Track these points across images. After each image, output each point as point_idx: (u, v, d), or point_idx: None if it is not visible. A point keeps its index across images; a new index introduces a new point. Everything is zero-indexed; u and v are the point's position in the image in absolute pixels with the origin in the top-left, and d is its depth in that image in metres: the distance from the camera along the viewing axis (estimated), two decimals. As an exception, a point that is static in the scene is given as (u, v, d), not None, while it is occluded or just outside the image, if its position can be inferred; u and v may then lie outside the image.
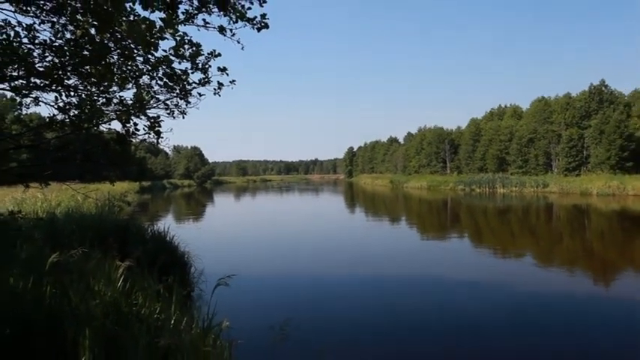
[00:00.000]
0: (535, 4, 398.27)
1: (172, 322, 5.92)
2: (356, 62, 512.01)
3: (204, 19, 5.98)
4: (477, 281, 15.00)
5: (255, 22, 6.11)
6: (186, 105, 7.13)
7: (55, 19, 5.98)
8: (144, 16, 5.48)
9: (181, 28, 5.93)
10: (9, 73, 6.17)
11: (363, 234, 28.68)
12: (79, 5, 5.52)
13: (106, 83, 6.53)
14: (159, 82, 6.68)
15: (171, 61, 6.30)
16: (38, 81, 6.34)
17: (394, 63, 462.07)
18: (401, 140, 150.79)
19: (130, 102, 6.78)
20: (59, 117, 6.83)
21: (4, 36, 6.02)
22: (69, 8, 5.60)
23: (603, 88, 75.85)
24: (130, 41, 5.73)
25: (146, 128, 6.98)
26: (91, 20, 5.52)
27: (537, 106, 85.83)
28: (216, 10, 5.89)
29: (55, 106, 6.70)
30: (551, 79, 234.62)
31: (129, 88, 6.83)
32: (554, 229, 30.07)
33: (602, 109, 72.45)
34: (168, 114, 7.20)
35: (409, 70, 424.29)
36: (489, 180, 77.02)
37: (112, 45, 5.89)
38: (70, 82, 6.60)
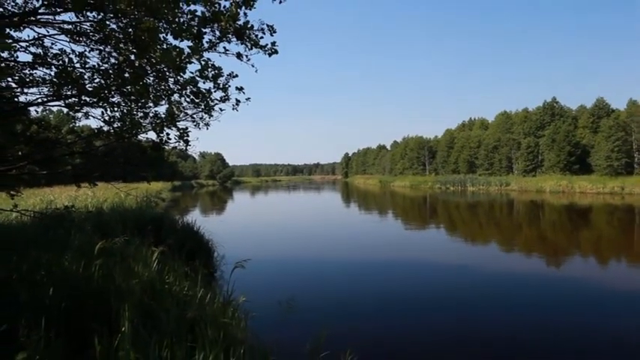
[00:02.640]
0: (493, 39, 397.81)
1: (198, 297, 5.92)
2: (350, 82, 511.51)
3: (224, 47, 5.99)
4: (452, 262, 15.00)
5: (266, 48, 6.13)
6: (210, 118, 7.16)
7: (102, 48, 6.00)
8: (175, 45, 5.49)
9: (205, 54, 5.95)
10: (64, 93, 6.19)
11: (357, 223, 28.69)
12: (121, 36, 5.53)
13: (143, 100, 6.55)
14: (187, 99, 6.70)
15: (197, 82, 6.32)
16: (88, 99, 6.35)
17: (383, 83, 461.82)
18: (388, 147, 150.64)
19: (163, 116, 6.80)
20: (105, 128, 6.86)
21: (61, 62, 6.04)
22: (113, 39, 5.61)
23: (555, 104, 76.28)
24: (163, 65, 5.74)
25: (177, 137, 7.01)
26: (131, 48, 5.53)
27: (501, 119, 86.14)
28: (234, 39, 5.90)
29: (102, 120, 6.73)
30: (512, 96, 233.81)
31: (162, 104, 6.85)
32: (515, 219, 30.05)
33: (553, 121, 72.92)
34: (195, 125, 7.23)
35: (395, 88, 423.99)
36: (461, 180, 77.13)
37: (149, 68, 5.90)
38: (114, 99, 6.62)
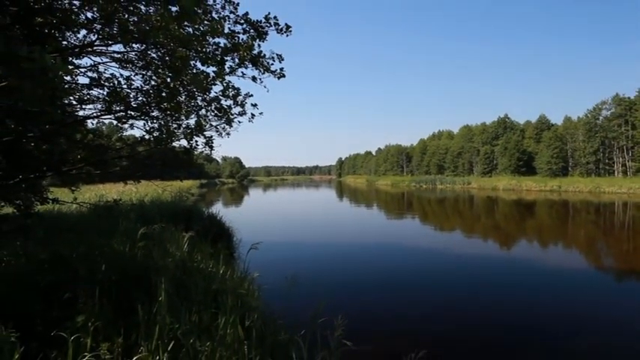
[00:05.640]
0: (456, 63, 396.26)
1: (220, 273, 5.92)
2: (341, 100, 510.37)
3: (242, 72, 6.01)
4: (425, 244, 15.01)
5: (276, 73, 6.14)
6: (230, 128, 7.18)
7: (144, 72, 6.01)
8: (202, 70, 5.51)
9: (227, 77, 5.97)
10: (114, 108, 6.20)
11: (348, 213, 28.69)
12: (160, 63, 5.54)
13: (177, 114, 6.56)
14: (212, 113, 6.72)
15: (220, 100, 6.34)
16: (133, 113, 6.37)
17: (369, 99, 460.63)
18: (374, 153, 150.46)
19: (193, 127, 6.81)
20: (146, 137, 6.87)
21: (112, 84, 6.05)
22: (153, 65, 5.62)
23: (506, 119, 76.79)
24: (193, 86, 5.76)
25: (203, 144, 7.03)
26: (167, 72, 5.54)
27: (464, 131, 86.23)
28: (250, 65, 5.92)
29: (144, 130, 6.75)
30: (473, 112, 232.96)
31: (192, 118, 6.88)
32: (475, 211, 30.09)
33: (505, 133, 73.36)
34: (218, 135, 7.24)
35: (379, 105, 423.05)
36: (432, 179, 77.31)
37: (181, 89, 5.92)
38: (154, 113, 6.62)
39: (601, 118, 59.63)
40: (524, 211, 29.74)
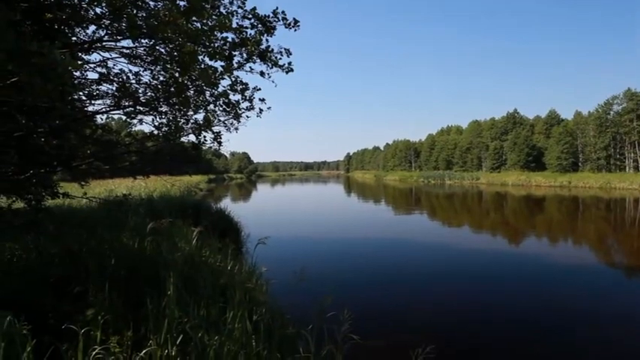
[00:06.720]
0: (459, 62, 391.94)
1: (228, 267, 5.94)
2: (352, 92, 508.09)
3: (250, 67, 6.00)
4: (434, 240, 14.95)
5: (284, 67, 6.13)
6: (238, 123, 7.17)
7: (152, 68, 6.02)
8: (210, 65, 5.50)
9: (235, 72, 5.97)
10: (123, 104, 6.24)
11: (355, 208, 28.63)
12: (168, 58, 5.54)
13: (185, 109, 6.57)
14: (220, 108, 6.72)
15: (228, 95, 6.33)
16: (142, 108, 6.39)
17: (378, 95, 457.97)
18: (382, 148, 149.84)
19: (201, 122, 6.82)
20: (155, 132, 6.89)
21: (120, 79, 6.07)
22: (162, 60, 5.63)
23: (516, 114, 76.00)
24: (201, 81, 5.75)
25: (212, 139, 7.04)
26: (176, 68, 5.54)
27: (473, 126, 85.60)
28: (258, 60, 5.91)
29: (153, 125, 6.77)
30: (482, 107, 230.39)
31: (200, 113, 6.88)
32: (484, 206, 29.88)
33: (515, 128, 72.65)
34: (227, 130, 7.24)
35: (388, 100, 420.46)
36: (440, 175, 76.78)
37: (190, 84, 5.91)
38: (162, 109, 6.65)
39: (612, 113, 58.74)
40: (534, 206, 29.48)
